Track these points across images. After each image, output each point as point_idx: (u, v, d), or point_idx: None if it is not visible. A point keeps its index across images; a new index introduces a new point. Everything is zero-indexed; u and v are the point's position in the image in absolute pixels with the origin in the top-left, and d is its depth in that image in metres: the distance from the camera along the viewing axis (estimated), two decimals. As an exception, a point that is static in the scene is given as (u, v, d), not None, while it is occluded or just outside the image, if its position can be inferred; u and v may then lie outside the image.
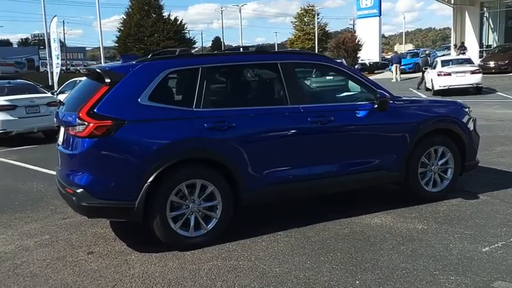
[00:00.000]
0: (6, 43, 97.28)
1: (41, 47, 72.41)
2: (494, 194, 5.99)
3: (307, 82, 6.60)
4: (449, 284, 3.73)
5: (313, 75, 7.86)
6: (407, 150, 5.50)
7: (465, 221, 5.09)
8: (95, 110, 4.38)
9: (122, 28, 53.61)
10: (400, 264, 4.13)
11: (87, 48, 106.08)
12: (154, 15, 52.91)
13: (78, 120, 4.40)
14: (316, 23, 55.61)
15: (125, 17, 53.77)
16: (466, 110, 6.04)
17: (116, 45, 55.11)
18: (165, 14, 53.74)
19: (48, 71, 31.92)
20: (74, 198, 4.47)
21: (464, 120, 5.94)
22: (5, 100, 12.31)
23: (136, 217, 4.49)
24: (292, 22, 71.36)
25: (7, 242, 5.15)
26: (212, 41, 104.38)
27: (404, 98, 5.90)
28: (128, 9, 53.93)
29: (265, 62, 5.21)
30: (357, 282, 3.84)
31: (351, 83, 5.90)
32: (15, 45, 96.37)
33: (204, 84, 4.73)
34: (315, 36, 56.81)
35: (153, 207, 4.48)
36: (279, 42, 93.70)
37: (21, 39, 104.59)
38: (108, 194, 4.41)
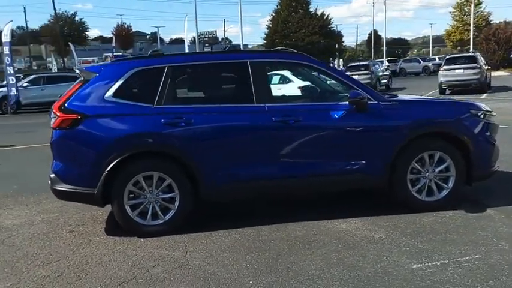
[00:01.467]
0: (181, 41, 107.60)
1: (206, 45, 78.26)
2: (508, 208, 5.32)
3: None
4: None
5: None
6: (390, 155, 5.17)
7: (434, 235, 4.67)
8: (65, 105, 4.94)
9: (270, 25, 55.50)
10: (311, 270, 4.01)
11: (249, 46, 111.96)
12: (301, 11, 53.84)
13: (52, 113, 5.00)
14: (472, 13, 51.28)
15: (273, 14, 55.60)
16: (475, 112, 5.43)
17: (265, 42, 57.21)
18: (312, 9, 54.44)
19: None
20: (49, 182, 5.09)
21: (469, 123, 5.36)
22: None
23: (97, 203, 4.97)
24: (450, 12, 67.02)
25: (19, 216, 5.99)
26: (368, 34, 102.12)
27: (397, 98, 5.52)
28: (276, 6, 55.70)
29: (235, 61, 5.29)
30: (251, 282, 3.85)
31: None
32: (188, 43, 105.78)
33: (167, 82, 5.03)
34: (470, 26, 52.58)
35: (112, 195, 4.89)
36: (438, 34, 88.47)
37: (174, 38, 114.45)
38: (73, 180, 4.95)
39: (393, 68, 43.35)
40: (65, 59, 68.35)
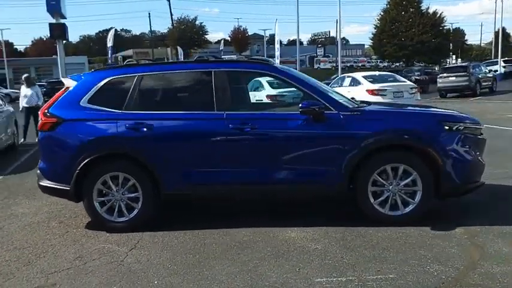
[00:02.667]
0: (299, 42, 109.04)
1: (319, 46, 78.61)
2: (480, 228, 4.98)
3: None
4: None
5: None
6: (348, 166, 5.09)
7: (372, 250, 4.56)
8: (49, 110, 5.55)
9: (378, 25, 54.08)
10: (220, 276, 4.14)
11: (366, 46, 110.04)
12: (411, 10, 51.78)
13: (39, 117, 5.65)
14: None
15: (382, 13, 54.12)
16: (448, 124, 5.13)
17: (372, 42, 55.94)
18: (424, 7, 52.13)
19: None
20: (37, 177, 5.74)
21: (438, 136, 5.08)
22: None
23: (72, 198, 5.51)
24: None
25: (32, 207, 6.72)
26: (495, 32, 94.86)
27: (364, 108, 5.37)
28: (386, 5, 54.12)
29: (200, 71, 5.54)
30: (156, 282, 4.11)
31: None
32: (305, 44, 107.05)
33: (136, 90, 5.43)
34: None
35: (83, 192, 5.41)
36: None
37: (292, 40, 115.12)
38: (53, 177, 5.54)
39: (510, 69, 40.04)
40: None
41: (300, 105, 5.05)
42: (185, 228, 5.37)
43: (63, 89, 5.69)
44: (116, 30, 26.33)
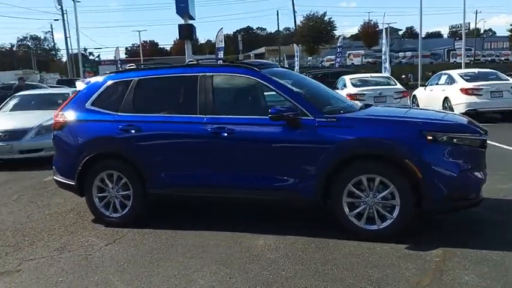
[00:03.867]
0: (437, 35, 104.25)
1: (457, 39, 73.91)
2: (464, 253, 4.51)
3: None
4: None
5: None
6: (323, 174, 4.90)
7: (320, 265, 4.37)
8: (61, 111, 6.11)
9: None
10: (150, 278, 4.30)
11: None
12: None
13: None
14: None
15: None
16: (431, 134, 4.68)
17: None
18: None
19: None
20: (52, 172, 6.34)
21: (417, 146, 4.66)
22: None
23: (77, 192, 6.00)
24: None
25: (68, 199, 7.38)
26: None
27: (339, 115, 5.06)
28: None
29: (188, 75, 5.65)
30: (96, 278, 4.38)
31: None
32: (445, 37, 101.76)
33: (131, 94, 5.76)
34: None
35: (84, 187, 5.88)
36: None
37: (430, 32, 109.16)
38: (62, 172, 6.09)
39: None
40: (311, 58, 72.99)
41: (270, 110, 4.95)
42: (172, 228, 5.56)
43: (75, 91, 6.19)
44: (236, 31, 27.03)
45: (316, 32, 73.62)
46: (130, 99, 5.72)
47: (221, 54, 25.38)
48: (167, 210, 6.34)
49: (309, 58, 73.78)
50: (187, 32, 37.66)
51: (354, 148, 4.81)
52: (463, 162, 4.69)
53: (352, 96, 14.23)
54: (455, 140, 4.70)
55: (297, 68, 42.31)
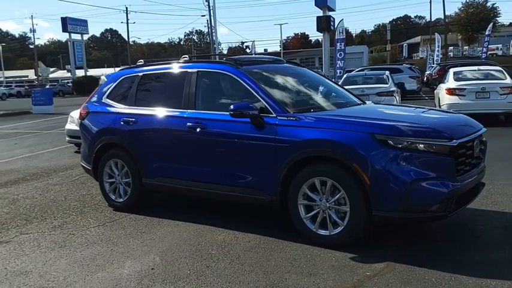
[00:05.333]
0: None
1: None
2: (406, 270, 4.14)
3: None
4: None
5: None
6: (279, 174, 4.81)
7: (239, 264, 4.34)
8: (86, 103, 6.78)
9: None
10: (79, 261, 4.67)
11: None
12: None
13: None
14: None
15: None
16: (382, 137, 4.28)
17: None
18: None
19: None
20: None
21: (369, 151, 4.31)
22: None
23: (94, 176, 6.62)
24: None
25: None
26: None
27: (300, 114, 4.83)
28: None
29: (179, 70, 5.83)
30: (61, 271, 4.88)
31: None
32: None
33: (135, 88, 6.18)
34: None
35: (98, 173, 6.48)
36: None
37: None
38: (84, 158, 6.75)
39: None
40: (467, 47, 67.69)
41: (230, 107, 4.96)
42: (159, 216, 5.88)
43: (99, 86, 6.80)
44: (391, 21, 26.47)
45: (476, 19, 67.88)
46: (133, 93, 6.13)
47: (342, 46, 24.93)
48: (173, 199, 6.66)
49: (465, 47, 68.53)
50: (325, 23, 37.72)
51: (305, 149, 4.61)
52: (419, 171, 4.23)
53: (450, 91, 13.09)
54: (410, 145, 4.25)
55: (437, 58, 39.66)
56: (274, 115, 4.87)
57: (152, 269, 4.32)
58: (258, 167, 4.94)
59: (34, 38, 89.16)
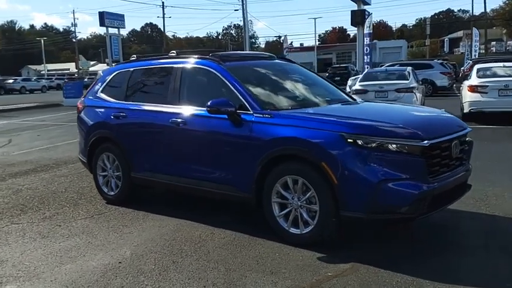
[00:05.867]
0: None
1: None
2: (361, 266, 4.10)
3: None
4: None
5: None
6: (254, 171, 4.78)
7: (207, 259, 4.36)
8: (82, 97, 6.92)
9: None
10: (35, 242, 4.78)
11: None
12: None
13: None
14: None
15: None
16: (351, 137, 4.19)
17: None
18: None
19: None
20: None
21: (337, 150, 4.23)
22: None
23: (89, 169, 6.76)
24: None
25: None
26: None
27: (275, 112, 4.81)
28: None
29: (166, 66, 5.86)
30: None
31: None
32: None
33: (126, 83, 6.26)
34: None
35: (92, 167, 6.61)
36: None
37: None
38: (81, 151, 6.90)
39: None
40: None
41: (207, 103, 4.96)
42: (147, 210, 5.94)
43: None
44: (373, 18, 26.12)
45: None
46: (124, 88, 6.21)
47: (367, 41, 24.57)
48: (165, 193, 6.73)
49: (509, 42, 66.38)
50: (359, 17, 37.22)
51: (277, 147, 4.57)
52: (388, 171, 4.12)
53: (472, 88, 12.66)
54: (379, 145, 4.15)
55: (475, 53, 38.46)
56: (251, 112, 4.84)
57: (120, 262, 4.38)
58: (235, 164, 4.93)
59: (75, 32, 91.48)
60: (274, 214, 4.70)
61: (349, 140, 4.19)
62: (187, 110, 5.36)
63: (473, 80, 12.97)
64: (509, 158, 8.37)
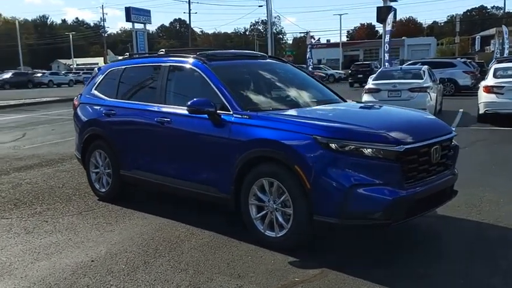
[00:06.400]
0: None
1: None
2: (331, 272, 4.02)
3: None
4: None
5: None
6: (232, 173, 4.73)
7: (168, 260, 4.35)
8: (79, 94, 6.98)
9: None
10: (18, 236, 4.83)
11: None
12: None
13: None
14: None
15: None
16: (323, 140, 4.10)
17: None
18: None
19: None
20: None
21: (310, 153, 4.15)
22: None
23: (84, 167, 6.82)
24: None
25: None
26: None
27: (253, 113, 4.73)
28: None
29: (155, 64, 5.86)
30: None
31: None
32: None
33: (118, 80, 6.29)
34: None
35: (86, 163, 6.67)
36: None
37: None
38: (76, 148, 6.96)
39: None
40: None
41: (188, 103, 4.93)
42: (135, 208, 5.96)
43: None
44: (394, 11, 25.64)
45: None
46: (116, 86, 6.24)
47: (388, 38, 24.16)
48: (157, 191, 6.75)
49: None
50: (385, 14, 36.68)
51: (253, 148, 4.52)
52: (361, 176, 4.03)
53: (488, 89, 12.31)
54: (352, 149, 4.06)
55: (507, 51, 37.44)
56: (231, 113, 4.80)
57: (92, 261, 4.39)
58: (215, 164, 4.90)
59: (104, 27, 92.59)
60: (251, 216, 4.65)
61: (322, 144, 4.11)
62: (172, 109, 5.34)
63: (490, 81, 12.61)
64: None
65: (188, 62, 5.45)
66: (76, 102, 6.83)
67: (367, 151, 4.04)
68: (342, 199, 4.02)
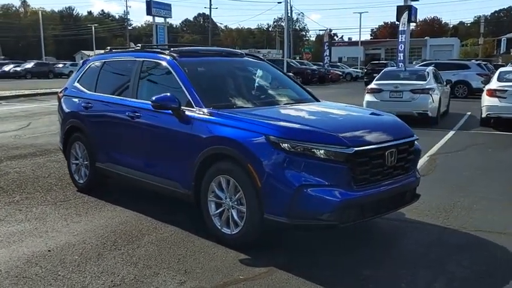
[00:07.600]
0: None
1: None
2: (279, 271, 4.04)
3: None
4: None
5: None
6: (192, 169, 4.78)
7: (122, 254, 4.41)
8: (64, 86, 7.10)
9: None
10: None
11: None
12: None
13: None
14: None
15: None
16: (276, 139, 4.11)
17: None
18: None
19: None
20: None
21: (262, 152, 4.17)
22: None
23: (66, 158, 6.94)
24: None
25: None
26: None
27: (215, 110, 4.74)
28: None
29: (131, 59, 5.90)
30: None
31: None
32: None
33: (98, 74, 6.39)
34: None
35: (66, 155, 6.79)
36: None
37: None
38: (60, 140, 7.09)
39: None
40: None
41: (152, 98, 4.98)
42: (110, 200, 6.05)
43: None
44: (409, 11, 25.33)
45: None
46: (95, 79, 6.34)
47: (403, 38, 23.94)
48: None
49: None
50: (403, 13, 36.27)
51: (211, 145, 4.56)
52: (310, 177, 4.03)
53: (491, 92, 12.10)
54: (303, 149, 4.06)
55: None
56: (195, 109, 4.83)
57: (49, 251, 4.48)
58: (179, 160, 4.95)
59: (127, 19, 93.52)
60: (210, 213, 4.69)
61: (274, 143, 4.12)
62: (141, 104, 5.40)
63: (493, 84, 12.40)
64: (507, 168, 7.99)
65: (160, 57, 5.50)
66: (60, 94, 6.95)
67: (318, 152, 4.04)
68: (290, 199, 4.03)
